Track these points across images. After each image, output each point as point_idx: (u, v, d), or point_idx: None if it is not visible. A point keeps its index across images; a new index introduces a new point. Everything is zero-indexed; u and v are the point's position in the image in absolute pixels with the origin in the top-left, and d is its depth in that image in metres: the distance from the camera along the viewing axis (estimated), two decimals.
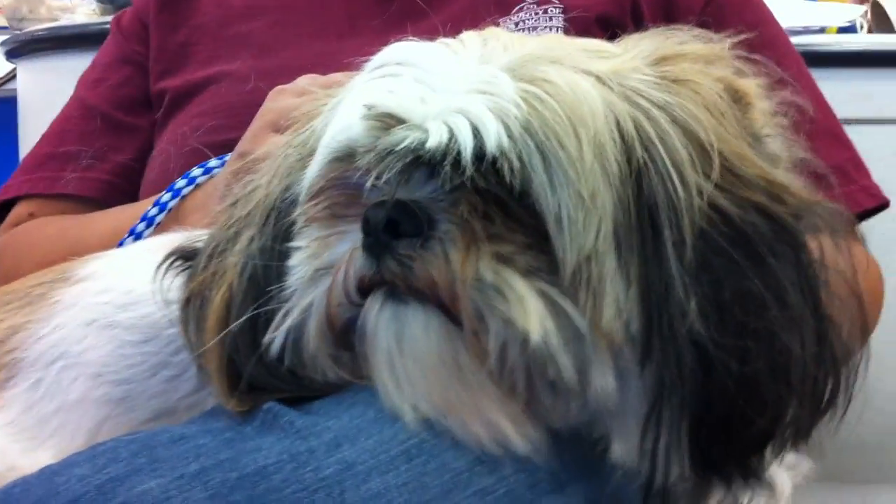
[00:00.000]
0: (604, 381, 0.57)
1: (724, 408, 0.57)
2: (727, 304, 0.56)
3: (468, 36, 0.63)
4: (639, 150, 0.58)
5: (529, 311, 0.55)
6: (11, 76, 2.39)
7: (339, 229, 0.60)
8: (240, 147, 0.91)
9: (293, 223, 0.63)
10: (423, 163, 0.57)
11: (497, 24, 1.03)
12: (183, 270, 0.69)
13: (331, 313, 0.60)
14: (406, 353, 0.58)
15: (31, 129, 1.84)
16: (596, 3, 1.04)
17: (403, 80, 0.59)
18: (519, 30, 1.04)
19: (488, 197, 0.57)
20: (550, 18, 1.05)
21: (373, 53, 0.65)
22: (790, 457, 0.70)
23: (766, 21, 1.10)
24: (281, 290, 0.62)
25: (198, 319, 0.66)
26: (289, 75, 0.92)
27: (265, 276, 0.63)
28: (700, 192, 0.57)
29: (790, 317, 0.57)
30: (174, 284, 0.70)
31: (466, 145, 0.56)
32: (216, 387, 0.64)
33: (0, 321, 0.79)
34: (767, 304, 0.56)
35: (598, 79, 0.59)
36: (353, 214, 0.59)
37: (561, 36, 0.68)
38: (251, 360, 0.62)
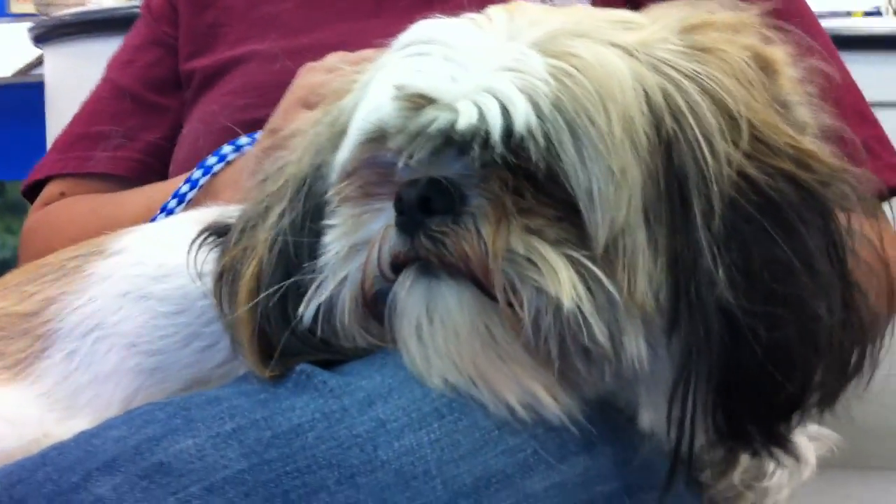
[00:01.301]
0: (637, 346, 0.58)
1: (753, 374, 0.57)
2: (756, 272, 0.57)
3: (494, 11, 0.63)
4: (668, 121, 0.58)
5: (561, 278, 0.56)
6: (39, 62, 2.42)
7: (373, 206, 0.61)
8: (270, 123, 0.92)
9: (324, 200, 0.64)
10: (454, 141, 0.58)
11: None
12: (216, 245, 0.70)
13: (365, 288, 0.61)
14: (438, 324, 0.59)
15: (59, 114, 1.87)
16: None
17: (432, 59, 0.60)
18: (544, 3, 1.05)
19: (518, 172, 0.58)
20: None
21: (399, 33, 0.65)
22: (814, 428, 0.70)
23: None
24: (311, 265, 0.63)
25: (230, 292, 0.67)
26: (316, 54, 0.93)
27: (295, 251, 0.64)
28: (729, 162, 0.57)
29: (819, 283, 0.57)
30: (207, 258, 0.71)
31: (495, 125, 0.56)
32: (248, 356, 0.65)
33: (35, 293, 0.80)
34: (796, 271, 0.57)
35: (626, 50, 0.60)
36: (386, 192, 0.61)
37: (588, 8, 0.69)
38: (283, 330, 0.63)
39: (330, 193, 0.64)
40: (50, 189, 1.18)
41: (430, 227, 0.58)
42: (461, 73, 0.59)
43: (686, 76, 0.59)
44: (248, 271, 0.66)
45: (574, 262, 0.57)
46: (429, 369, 0.60)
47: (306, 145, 0.68)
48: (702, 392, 0.58)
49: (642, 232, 0.57)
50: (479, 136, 0.57)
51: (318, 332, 0.64)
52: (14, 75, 2.69)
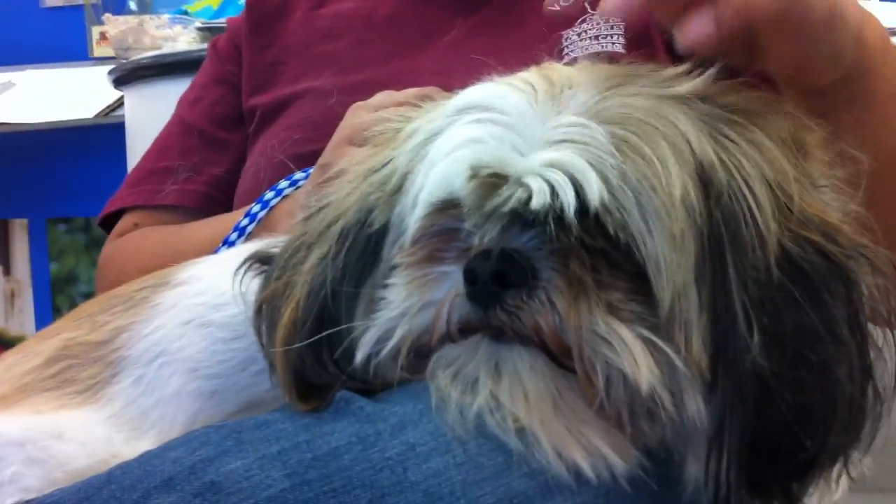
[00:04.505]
0: (696, 404, 0.59)
1: (778, 435, 0.59)
2: (786, 338, 0.58)
3: (532, 76, 0.65)
4: (719, 183, 0.59)
5: (640, 363, 0.58)
6: (119, 103, 2.53)
7: (439, 269, 0.62)
8: (321, 159, 0.95)
9: (373, 255, 0.66)
10: (524, 216, 0.60)
11: (561, 36, 1.05)
12: (259, 274, 0.73)
13: (431, 345, 0.62)
14: (506, 387, 0.60)
15: (139, 153, 1.93)
16: None
17: (492, 129, 0.61)
18: (581, 39, 1.06)
19: (593, 247, 0.59)
20: (612, 27, 1.05)
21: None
22: None
23: None
24: (349, 317, 0.65)
25: (268, 329, 0.70)
26: (368, 91, 0.96)
27: (334, 302, 0.66)
28: (775, 228, 0.59)
29: (841, 350, 0.59)
30: (253, 286, 0.73)
31: (569, 204, 0.58)
32: (285, 392, 0.68)
33: (107, 322, 0.84)
34: (822, 338, 0.58)
35: (679, 107, 0.61)
36: (451, 257, 0.62)
37: (627, 65, 0.69)
38: (318, 370, 0.66)
39: (397, 258, 0.65)
40: (124, 221, 1.24)
41: (505, 300, 0.59)
42: (525, 147, 0.60)
43: (732, 140, 0.61)
44: (287, 314, 0.68)
45: (647, 341, 0.58)
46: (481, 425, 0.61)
47: (354, 198, 0.69)
48: (735, 449, 0.59)
49: (694, 291, 0.59)
50: (552, 212, 0.58)
51: (357, 371, 0.66)
52: (96, 116, 2.80)
